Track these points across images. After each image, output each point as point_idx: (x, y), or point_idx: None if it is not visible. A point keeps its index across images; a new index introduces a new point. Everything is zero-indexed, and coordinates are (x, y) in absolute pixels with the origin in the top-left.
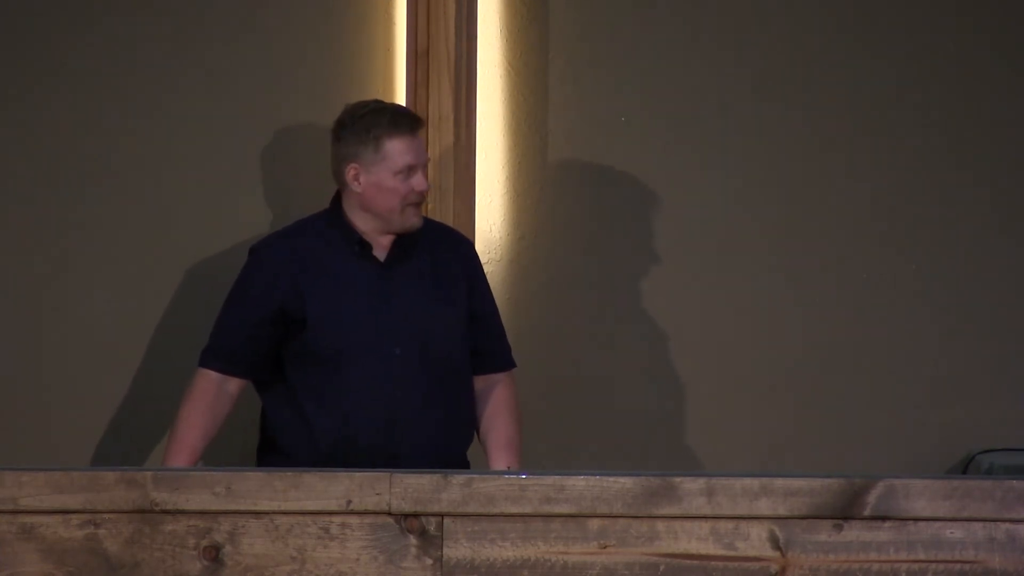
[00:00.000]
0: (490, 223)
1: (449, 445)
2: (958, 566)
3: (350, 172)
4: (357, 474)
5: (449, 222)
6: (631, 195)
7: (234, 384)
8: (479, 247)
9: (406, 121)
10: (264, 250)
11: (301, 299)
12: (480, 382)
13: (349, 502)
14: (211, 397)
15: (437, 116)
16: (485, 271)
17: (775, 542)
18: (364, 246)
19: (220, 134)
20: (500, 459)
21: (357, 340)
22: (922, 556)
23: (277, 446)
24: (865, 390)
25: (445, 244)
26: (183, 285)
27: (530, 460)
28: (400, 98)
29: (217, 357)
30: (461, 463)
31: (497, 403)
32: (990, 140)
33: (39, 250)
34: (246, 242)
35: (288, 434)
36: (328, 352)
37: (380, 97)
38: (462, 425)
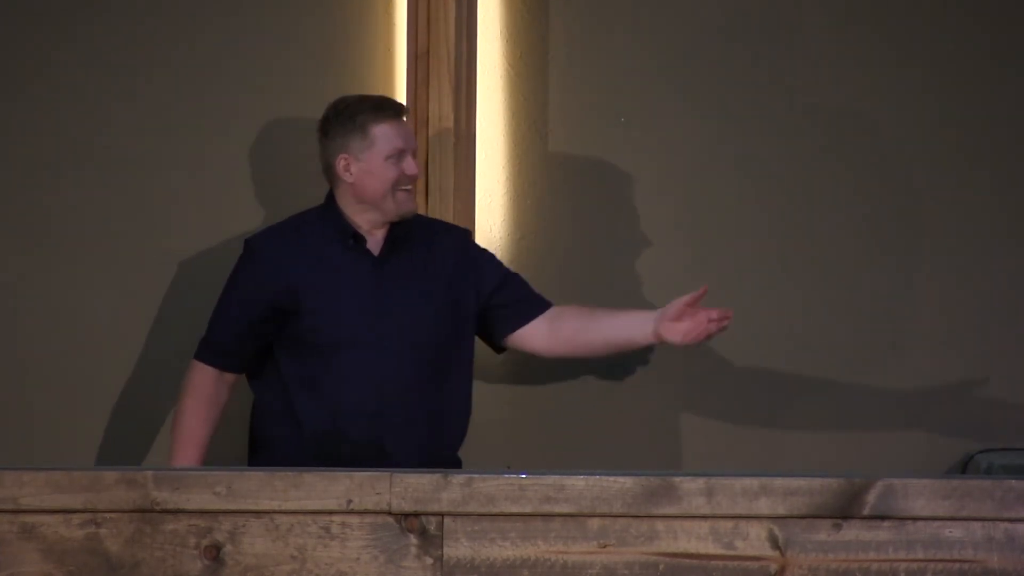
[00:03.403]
0: (490, 223)
1: (439, 442)
2: (957, 565)
3: (340, 163)
4: (357, 474)
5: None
6: (631, 195)
7: (231, 376)
8: None
9: (390, 106)
10: (259, 243)
11: (295, 291)
12: (538, 327)
13: (349, 501)
14: (210, 390)
15: (437, 116)
16: None
17: (774, 542)
18: (358, 239)
19: (220, 134)
20: (642, 318)
21: (350, 333)
22: (921, 555)
23: (264, 437)
24: (865, 390)
25: (439, 239)
26: (182, 282)
27: (530, 460)
28: (400, 98)
29: (214, 352)
30: (451, 460)
31: (568, 316)
32: (993, 142)
33: (36, 248)
34: (242, 244)
35: (275, 424)
36: (320, 344)
37: None
38: (453, 423)
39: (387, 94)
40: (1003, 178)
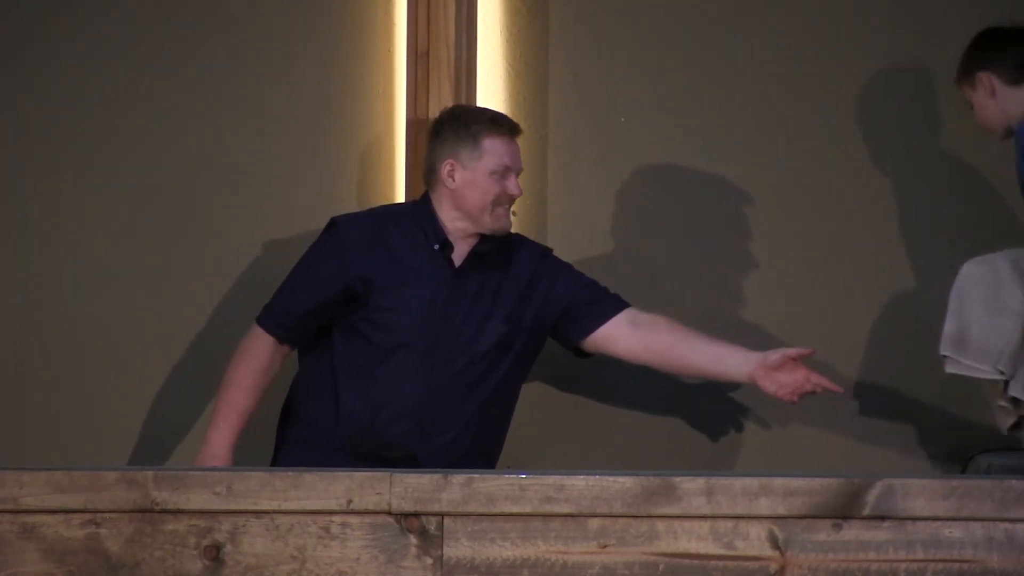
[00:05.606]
0: None
1: (473, 459)
2: (957, 565)
3: (446, 168)
4: (357, 474)
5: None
6: (631, 195)
7: (286, 347)
8: None
9: (506, 123)
10: (347, 224)
11: (371, 281)
12: (616, 329)
13: (349, 501)
14: (265, 360)
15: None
16: None
17: (774, 542)
18: (445, 246)
19: (219, 134)
20: (742, 356)
21: (409, 337)
22: (921, 555)
23: (300, 414)
24: (865, 390)
25: (518, 257)
26: (182, 287)
27: (530, 460)
28: (400, 98)
29: (277, 321)
30: None
31: (662, 328)
32: (995, 142)
33: (41, 248)
34: (242, 244)
35: (314, 404)
36: (378, 340)
37: (380, 98)
38: (488, 447)
39: (387, 94)
40: (1007, 180)
